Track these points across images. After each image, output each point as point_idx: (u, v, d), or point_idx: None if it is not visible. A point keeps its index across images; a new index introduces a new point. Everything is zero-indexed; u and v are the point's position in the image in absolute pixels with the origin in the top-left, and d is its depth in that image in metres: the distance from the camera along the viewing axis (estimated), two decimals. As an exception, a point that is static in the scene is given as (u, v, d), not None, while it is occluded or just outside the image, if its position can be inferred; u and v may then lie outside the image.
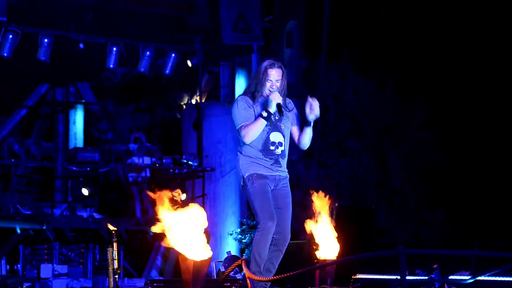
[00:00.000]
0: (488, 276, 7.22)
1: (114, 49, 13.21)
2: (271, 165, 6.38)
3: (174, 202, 6.07)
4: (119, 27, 13.43)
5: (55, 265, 12.31)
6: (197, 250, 5.87)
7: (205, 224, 6.07)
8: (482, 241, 9.69)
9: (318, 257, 7.12)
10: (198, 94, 14.59)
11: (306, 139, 6.46)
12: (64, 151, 15.07)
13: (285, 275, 6.23)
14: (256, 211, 6.30)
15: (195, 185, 13.83)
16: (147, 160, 14.01)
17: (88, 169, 13.69)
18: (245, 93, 6.51)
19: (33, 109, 15.29)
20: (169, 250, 12.93)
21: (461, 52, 12.93)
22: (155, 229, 5.97)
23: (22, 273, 12.26)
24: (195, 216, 6.01)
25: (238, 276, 8.86)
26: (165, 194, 6.05)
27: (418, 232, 13.40)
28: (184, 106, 15.49)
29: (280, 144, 6.40)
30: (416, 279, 7.54)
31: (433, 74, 13.24)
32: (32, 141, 14.04)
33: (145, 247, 13.51)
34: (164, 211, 5.97)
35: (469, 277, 7.31)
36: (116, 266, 6.39)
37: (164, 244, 6.02)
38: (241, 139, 6.36)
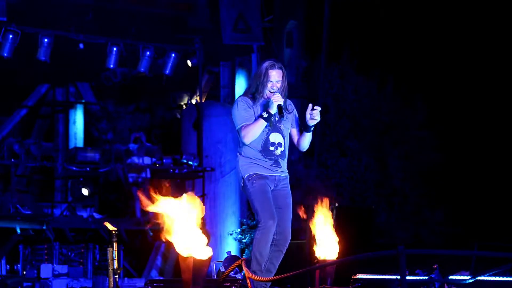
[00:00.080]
0: (488, 276, 7.22)
1: (114, 49, 13.20)
2: (271, 165, 6.38)
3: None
4: (119, 27, 13.43)
5: (55, 265, 12.31)
6: (197, 250, 5.88)
7: (202, 212, 6.03)
8: (482, 241, 9.69)
9: (318, 257, 7.12)
10: (198, 94, 14.58)
11: (305, 142, 6.49)
12: (64, 151, 15.07)
13: (285, 275, 6.24)
14: (257, 210, 6.31)
15: (195, 185, 13.83)
16: (147, 160, 14.01)
17: (88, 169, 13.69)
18: (245, 93, 6.52)
19: (33, 109, 15.28)
20: (169, 250, 12.94)
21: (461, 52, 12.92)
22: (150, 208, 5.95)
23: (22, 273, 12.25)
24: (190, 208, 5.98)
25: (238, 276, 8.86)
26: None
27: (418, 232, 13.40)
28: (184, 106, 15.49)
29: (280, 144, 6.41)
30: (416, 279, 7.54)
31: (433, 74, 13.24)
32: (32, 141, 14.04)
33: (145, 247, 13.51)
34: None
35: (469, 277, 7.31)
36: (116, 266, 6.39)
37: (163, 237, 6.01)
38: (241, 139, 6.36)
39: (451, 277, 7.56)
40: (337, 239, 7.38)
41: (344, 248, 7.31)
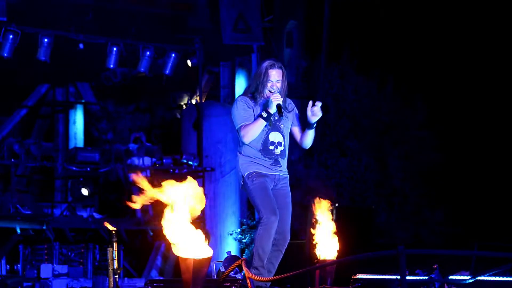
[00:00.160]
0: (488, 276, 7.22)
1: (114, 49, 13.20)
2: (271, 165, 6.39)
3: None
4: (119, 27, 13.43)
5: (55, 265, 12.31)
6: (197, 249, 5.87)
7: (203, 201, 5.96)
8: (482, 241, 9.69)
9: (318, 257, 7.12)
10: (198, 94, 14.58)
11: (308, 139, 6.49)
12: (64, 151, 15.07)
13: (285, 275, 6.23)
14: (258, 207, 6.31)
15: (195, 185, 13.81)
16: (147, 160, 14.00)
17: (88, 169, 13.69)
18: (245, 93, 6.52)
19: (33, 109, 15.28)
20: (169, 250, 12.94)
21: (461, 52, 12.93)
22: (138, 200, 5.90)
23: (22, 273, 12.25)
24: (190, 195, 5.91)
25: (238, 276, 8.86)
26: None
27: (418, 232, 13.40)
28: (184, 106, 15.49)
29: (280, 144, 6.41)
30: (416, 279, 7.54)
31: (433, 74, 13.24)
32: (32, 141, 14.04)
33: (145, 247, 13.51)
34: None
35: (469, 277, 7.31)
36: (116, 266, 6.39)
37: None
38: (241, 139, 6.37)
39: (451, 277, 7.56)
40: (337, 239, 7.38)
41: (344, 248, 7.31)
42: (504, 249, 9.00)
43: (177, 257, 5.87)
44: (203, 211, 13.44)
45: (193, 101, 15.37)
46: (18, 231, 12.30)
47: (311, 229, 7.19)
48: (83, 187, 13.82)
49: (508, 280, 7.12)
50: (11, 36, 12.24)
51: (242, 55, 14.47)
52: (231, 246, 12.85)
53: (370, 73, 13.91)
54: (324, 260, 7.06)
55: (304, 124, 6.46)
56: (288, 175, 6.54)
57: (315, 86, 13.68)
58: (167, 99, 16.20)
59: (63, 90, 15.52)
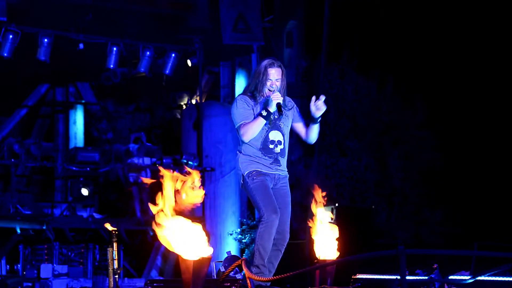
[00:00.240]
0: (488, 276, 7.22)
1: (114, 49, 13.21)
2: (271, 164, 6.39)
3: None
4: (119, 27, 13.43)
5: (55, 265, 12.31)
6: (197, 250, 5.87)
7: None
8: (482, 241, 9.69)
9: (318, 257, 7.12)
10: (198, 94, 14.58)
11: (314, 134, 6.50)
12: (64, 151, 15.07)
13: (285, 275, 6.23)
14: (259, 205, 6.31)
15: (195, 185, 13.81)
16: (147, 160, 14.01)
17: (88, 169, 13.70)
18: (244, 92, 6.52)
19: (33, 109, 15.29)
20: (169, 250, 12.92)
21: (461, 52, 12.92)
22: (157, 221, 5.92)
23: (22, 273, 12.25)
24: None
25: (238, 276, 8.86)
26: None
27: (418, 232, 13.39)
28: (184, 106, 15.49)
29: (280, 142, 6.41)
30: (416, 279, 7.54)
31: (433, 74, 13.23)
32: (32, 141, 14.05)
33: (145, 247, 13.51)
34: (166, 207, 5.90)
35: (469, 277, 7.31)
36: (116, 266, 6.39)
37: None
38: (240, 137, 6.37)
39: (451, 277, 7.56)
40: (337, 239, 7.37)
41: (344, 248, 7.30)
42: (504, 249, 9.01)
43: (177, 257, 5.87)
44: (203, 211, 13.50)
45: (193, 101, 15.37)
46: (18, 231, 12.30)
47: (311, 229, 7.18)
48: (83, 187, 13.83)
49: (508, 280, 7.11)
50: (11, 36, 12.24)
51: (242, 55, 14.47)
52: (231, 246, 12.84)
53: (370, 73, 13.90)
54: (324, 260, 7.05)
55: (308, 119, 6.46)
56: (288, 175, 6.54)
57: (315, 86, 13.67)
58: (167, 99, 16.20)
59: (63, 90, 15.52)
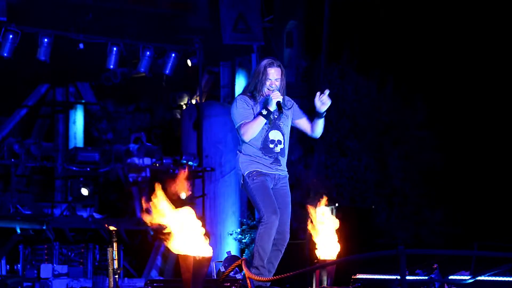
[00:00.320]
0: (488, 276, 7.22)
1: (114, 49, 13.21)
2: (271, 163, 6.38)
3: (174, 201, 6.05)
4: (119, 27, 13.43)
5: (55, 265, 12.31)
6: (197, 249, 5.87)
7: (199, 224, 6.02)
8: (482, 241, 9.69)
9: (318, 257, 7.12)
10: (198, 94, 14.58)
11: (319, 128, 6.50)
12: (64, 151, 15.07)
13: (285, 275, 6.23)
14: (259, 206, 6.30)
15: (195, 185, 13.83)
16: (147, 160, 14.01)
17: (88, 169, 13.69)
18: (244, 92, 6.52)
19: (33, 109, 15.29)
20: (169, 250, 12.93)
21: (461, 52, 12.93)
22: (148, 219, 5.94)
23: (22, 273, 12.25)
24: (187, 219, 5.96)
25: (238, 276, 8.86)
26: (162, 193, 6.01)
27: (418, 232, 13.40)
28: (184, 106, 15.49)
29: (280, 142, 6.41)
30: (416, 279, 7.54)
31: (433, 74, 13.24)
32: (32, 141, 14.04)
33: (145, 247, 13.51)
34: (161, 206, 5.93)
35: (469, 277, 7.31)
36: (116, 266, 6.39)
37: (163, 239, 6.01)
38: (240, 137, 6.37)
39: (451, 277, 7.56)
40: (337, 239, 7.37)
41: (344, 248, 7.30)
42: (504, 249, 9.01)
43: (177, 257, 5.87)
44: (203, 211, 13.50)
45: (193, 101, 15.37)
46: (18, 231, 12.30)
47: (311, 229, 7.18)
48: (83, 187, 13.83)
49: (508, 280, 7.12)
50: (11, 36, 12.24)
51: (242, 55, 14.47)
52: (231, 246, 12.85)
53: (370, 73, 13.90)
54: (324, 260, 7.05)
55: (313, 115, 6.46)
56: (288, 175, 6.54)
57: (315, 86, 13.67)
58: (167, 99, 16.20)
59: (63, 90, 15.52)
